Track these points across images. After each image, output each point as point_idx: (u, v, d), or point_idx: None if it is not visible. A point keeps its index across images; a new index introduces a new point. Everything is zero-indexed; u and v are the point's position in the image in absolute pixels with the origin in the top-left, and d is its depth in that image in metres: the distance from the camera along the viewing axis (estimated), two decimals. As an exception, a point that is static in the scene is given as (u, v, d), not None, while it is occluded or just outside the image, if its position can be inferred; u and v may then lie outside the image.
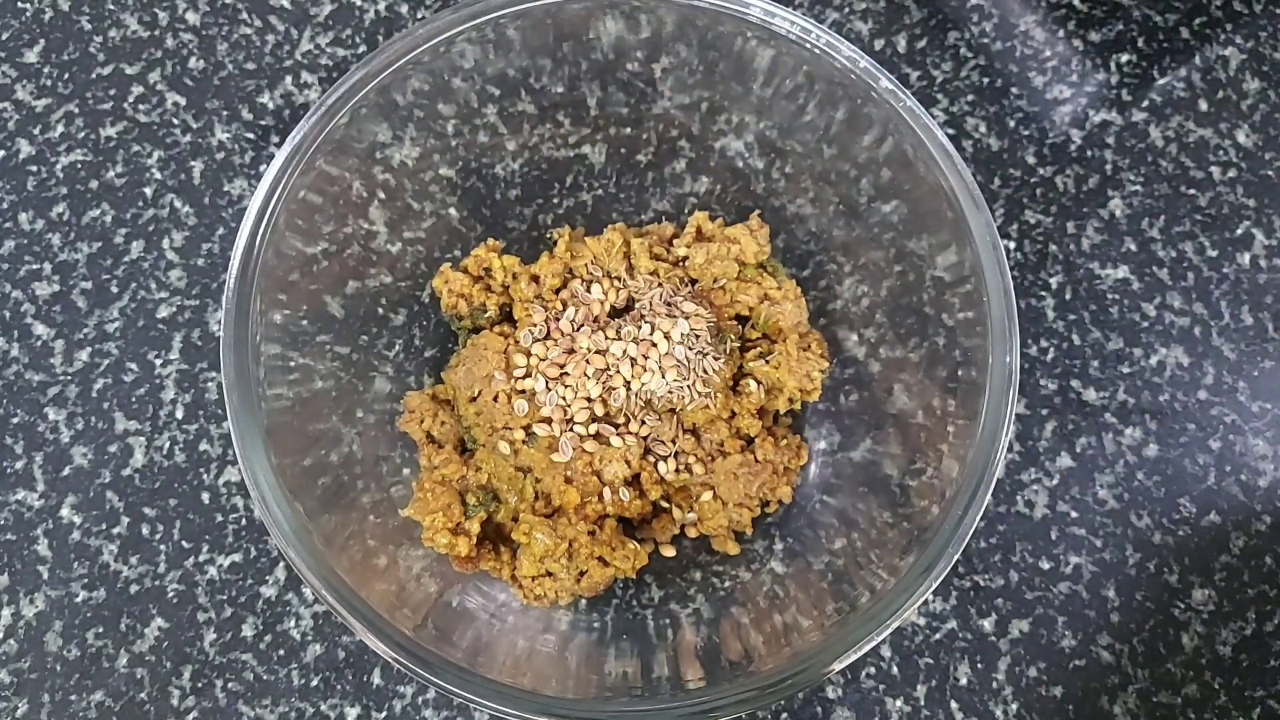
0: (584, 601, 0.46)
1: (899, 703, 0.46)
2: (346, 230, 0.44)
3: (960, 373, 0.41)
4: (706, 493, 0.45)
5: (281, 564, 0.47)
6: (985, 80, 0.53)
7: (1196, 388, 0.50)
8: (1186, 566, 0.47)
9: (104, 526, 0.48)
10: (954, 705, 0.46)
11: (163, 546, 0.48)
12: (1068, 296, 0.51)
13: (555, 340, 0.45)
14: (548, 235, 0.50)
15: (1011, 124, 0.53)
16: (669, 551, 0.46)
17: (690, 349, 0.45)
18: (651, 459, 0.45)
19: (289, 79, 0.53)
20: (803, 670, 0.37)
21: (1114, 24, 0.54)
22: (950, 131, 0.52)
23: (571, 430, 0.44)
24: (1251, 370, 0.50)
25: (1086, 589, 0.47)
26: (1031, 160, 0.52)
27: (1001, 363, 0.38)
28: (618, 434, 0.45)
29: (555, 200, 0.50)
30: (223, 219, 0.52)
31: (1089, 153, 0.53)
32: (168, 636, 0.47)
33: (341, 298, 0.45)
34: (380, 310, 0.47)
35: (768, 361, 0.46)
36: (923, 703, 0.46)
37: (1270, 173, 0.52)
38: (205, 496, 0.48)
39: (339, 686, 0.46)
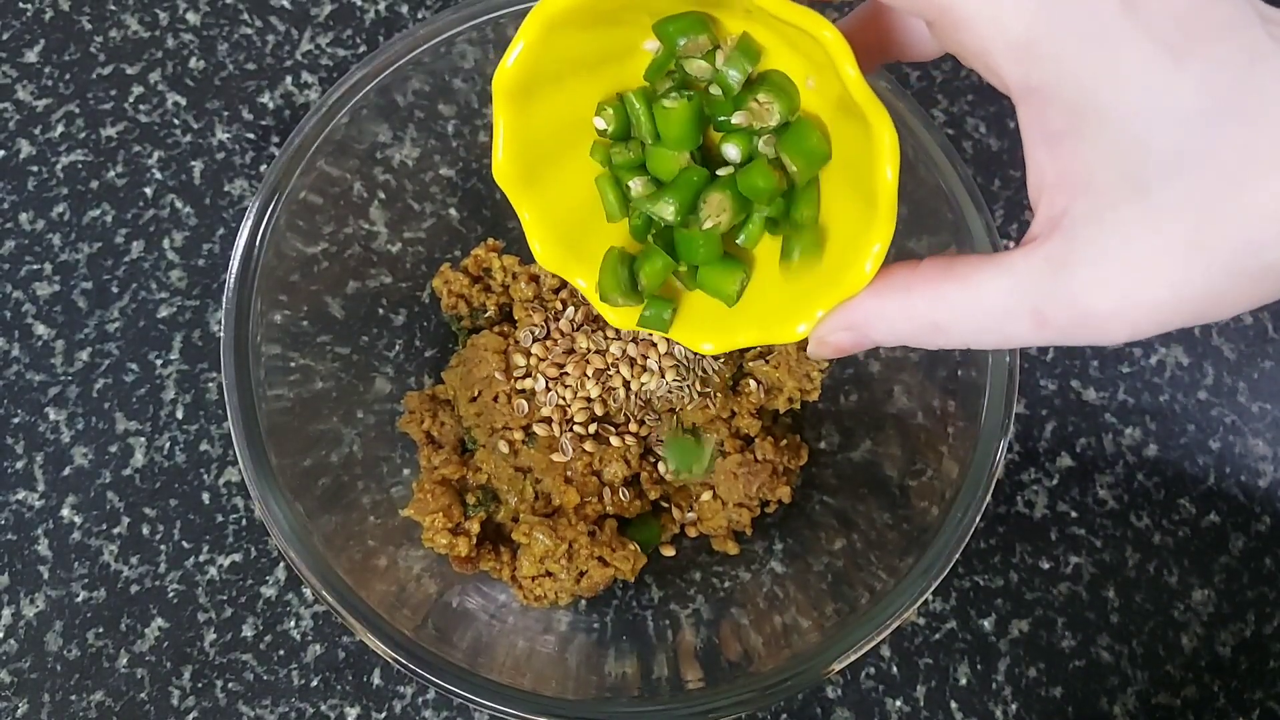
0: (584, 602, 0.46)
1: (899, 703, 0.46)
2: (347, 231, 0.45)
3: (960, 373, 0.41)
4: (706, 493, 0.45)
5: (281, 564, 0.48)
6: (985, 80, 0.53)
7: (1196, 388, 0.50)
8: (1186, 568, 0.47)
9: (104, 526, 0.48)
10: (954, 705, 0.46)
11: (163, 547, 0.48)
12: (1068, 297, 0.51)
13: (555, 340, 0.46)
14: (548, 235, 0.50)
15: (1011, 124, 0.53)
16: (669, 552, 0.46)
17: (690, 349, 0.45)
18: (651, 459, 0.45)
19: (289, 79, 0.53)
20: (802, 671, 0.37)
21: (1114, 24, 0.54)
22: (950, 131, 0.52)
23: (571, 430, 0.44)
24: (1251, 371, 0.50)
25: (1086, 590, 0.47)
26: (1031, 161, 0.52)
27: (1001, 363, 0.38)
28: (617, 434, 0.45)
29: (555, 200, 0.50)
30: (223, 219, 0.52)
31: (1089, 153, 0.52)
32: (168, 636, 0.47)
33: (342, 298, 0.45)
34: (380, 310, 0.47)
35: (767, 361, 0.46)
36: (922, 703, 0.46)
37: (1270, 173, 0.52)
38: (205, 496, 0.48)
39: (339, 687, 0.46)
